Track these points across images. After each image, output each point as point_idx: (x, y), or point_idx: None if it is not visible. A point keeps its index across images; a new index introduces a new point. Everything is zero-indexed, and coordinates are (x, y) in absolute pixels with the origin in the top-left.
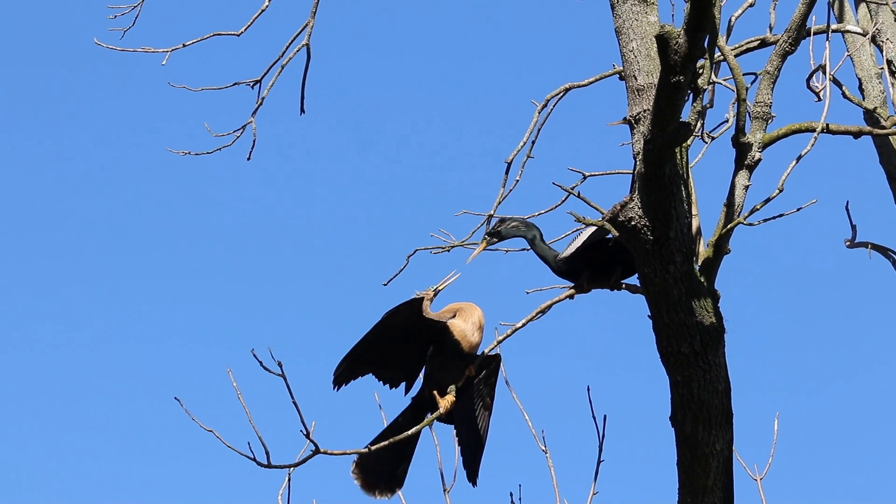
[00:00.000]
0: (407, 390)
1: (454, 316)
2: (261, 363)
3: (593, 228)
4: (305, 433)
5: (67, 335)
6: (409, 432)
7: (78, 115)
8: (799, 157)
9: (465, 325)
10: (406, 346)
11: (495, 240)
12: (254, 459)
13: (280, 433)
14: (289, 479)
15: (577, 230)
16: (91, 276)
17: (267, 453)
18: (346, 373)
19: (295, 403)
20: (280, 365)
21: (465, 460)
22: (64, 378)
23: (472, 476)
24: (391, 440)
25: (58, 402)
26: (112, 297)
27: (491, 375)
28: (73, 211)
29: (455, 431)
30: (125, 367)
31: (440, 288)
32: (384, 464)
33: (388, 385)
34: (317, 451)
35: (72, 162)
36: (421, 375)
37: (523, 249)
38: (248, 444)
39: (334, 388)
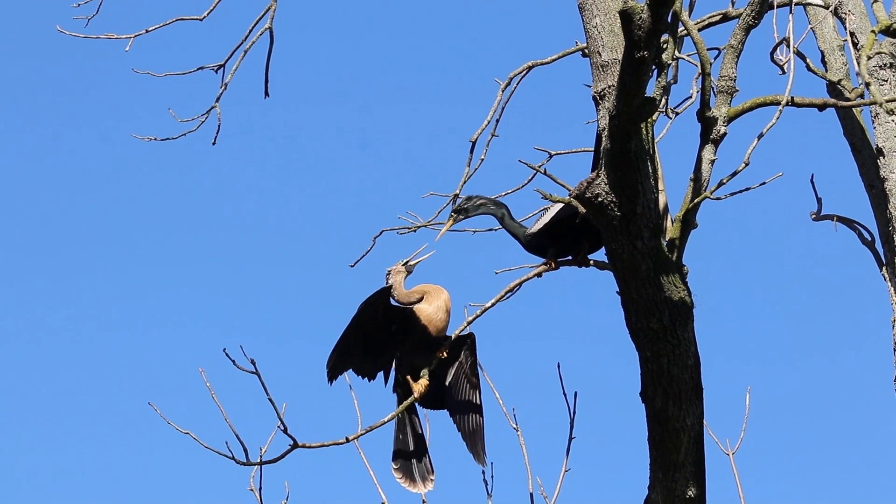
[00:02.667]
0: (386, 381)
1: (421, 299)
2: (233, 362)
3: (560, 205)
4: (283, 428)
5: (39, 334)
6: (385, 419)
7: (41, 103)
8: (763, 132)
9: (431, 309)
10: (378, 337)
11: (461, 217)
12: (232, 457)
13: (257, 425)
14: (260, 472)
15: (545, 208)
16: (55, 270)
17: (245, 450)
18: (337, 366)
19: (271, 400)
20: (253, 363)
21: (469, 444)
22: (38, 379)
23: (479, 457)
24: (367, 429)
25: (31, 404)
26: (78, 291)
27: (470, 355)
28: (33, 203)
29: (451, 418)
30: (100, 362)
31: (411, 262)
32: (410, 456)
33: (366, 378)
34: (294, 446)
35: (34, 150)
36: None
37: (490, 230)
38: (226, 442)
39: (329, 381)
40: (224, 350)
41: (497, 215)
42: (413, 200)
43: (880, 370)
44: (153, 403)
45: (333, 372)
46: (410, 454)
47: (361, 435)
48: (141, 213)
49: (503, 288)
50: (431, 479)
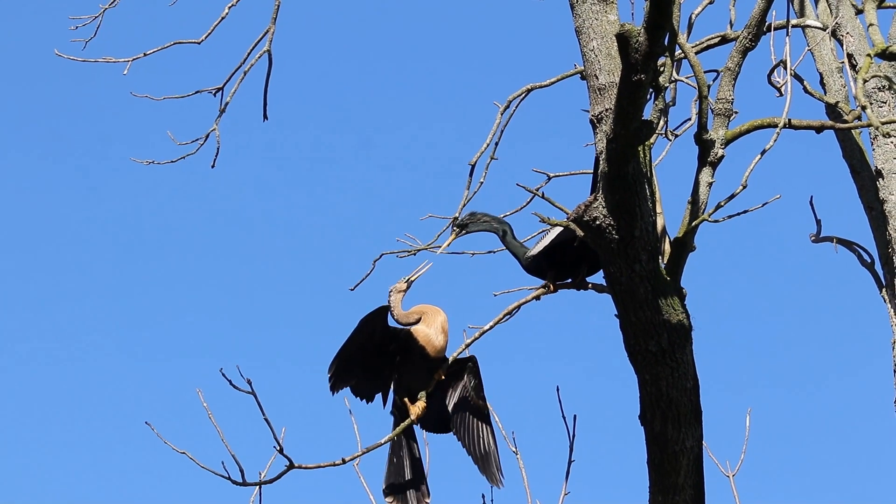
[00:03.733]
0: (384, 403)
1: (419, 320)
2: (230, 382)
3: (560, 228)
4: (279, 449)
5: (39, 356)
6: (382, 441)
7: (40, 126)
8: (762, 153)
9: (429, 331)
10: (376, 357)
11: (463, 232)
12: (228, 478)
13: (255, 449)
14: (260, 495)
15: (545, 230)
16: (52, 292)
17: (241, 471)
18: (339, 378)
19: (267, 420)
20: (250, 383)
21: (481, 467)
22: (37, 399)
23: (494, 478)
24: (363, 451)
25: (29, 425)
26: (78, 314)
27: (473, 378)
28: (33, 225)
29: (460, 443)
30: (95, 386)
31: (413, 279)
32: (405, 482)
33: (364, 400)
34: (291, 467)
35: (33, 172)
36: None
37: (490, 252)
38: (223, 462)
39: (332, 391)
40: (221, 370)
41: (498, 233)
42: (412, 223)
43: (880, 392)
44: (150, 423)
45: (336, 383)
46: (404, 479)
47: (358, 457)
48: (141, 236)
49: (502, 310)
50: (427, 503)
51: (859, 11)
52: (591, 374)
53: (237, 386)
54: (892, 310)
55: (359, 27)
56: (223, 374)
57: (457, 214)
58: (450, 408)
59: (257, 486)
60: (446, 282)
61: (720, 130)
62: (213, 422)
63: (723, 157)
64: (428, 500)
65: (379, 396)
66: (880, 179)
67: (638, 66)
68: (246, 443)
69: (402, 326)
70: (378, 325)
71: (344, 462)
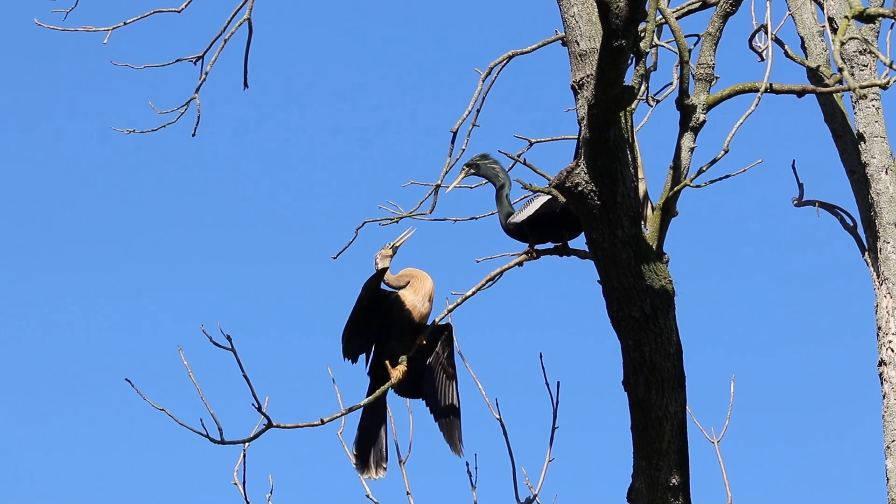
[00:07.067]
0: (367, 364)
1: (407, 284)
2: (210, 338)
3: (546, 197)
4: (258, 407)
5: (13, 318)
6: (362, 402)
7: (21, 96)
8: (744, 118)
9: (416, 297)
10: (367, 319)
11: (472, 172)
12: (207, 436)
13: (236, 410)
14: (244, 455)
15: (529, 196)
16: (35, 258)
17: (220, 429)
18: (349, 341)
19: (246, 377)
20: (229, 339)
21: (446, 434)
22: (9, 362)
23: (456, 447)
24: (343, 412)
25: (4, 389)
26: (56, 278)
27: (447, 345)
28: (7, 193)
29: (428, 408)
30: (73, 348)
31: (398, 244)
32: (371, 443)
33: (350, 360)
34: (270, 426)
35: (11, 143)
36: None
37: (472, 218)
38: (201, 420)
39: (348, 360)
40: (201, 327)
41: (497, 186)
42: (395, 191)
43: (864, 355)
44: (130, 380)
45: (348, 347)
46: (371, 440)
47: (336, 417)
48: (122, 204)
49: (484, 276)
50: (384, 467)
51: None
52: (574, 341)
53: (217, 342)
54: (875, 273)
55: None
56: (203, 332)
57: (439, 182)
58: (423, 374)
59: (236, 445)
60: (429, 248)
61: (701, 95)
62: (193, 379)
63: (704, 122)
64: (385, 465)
65: (362, 358)
66: (862, 143)
67: (618, 31)
68: (228, 407)
69: (390, 290)
70: (374, 290)
71: (323, 423)
